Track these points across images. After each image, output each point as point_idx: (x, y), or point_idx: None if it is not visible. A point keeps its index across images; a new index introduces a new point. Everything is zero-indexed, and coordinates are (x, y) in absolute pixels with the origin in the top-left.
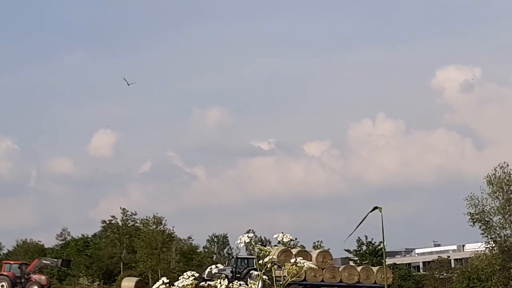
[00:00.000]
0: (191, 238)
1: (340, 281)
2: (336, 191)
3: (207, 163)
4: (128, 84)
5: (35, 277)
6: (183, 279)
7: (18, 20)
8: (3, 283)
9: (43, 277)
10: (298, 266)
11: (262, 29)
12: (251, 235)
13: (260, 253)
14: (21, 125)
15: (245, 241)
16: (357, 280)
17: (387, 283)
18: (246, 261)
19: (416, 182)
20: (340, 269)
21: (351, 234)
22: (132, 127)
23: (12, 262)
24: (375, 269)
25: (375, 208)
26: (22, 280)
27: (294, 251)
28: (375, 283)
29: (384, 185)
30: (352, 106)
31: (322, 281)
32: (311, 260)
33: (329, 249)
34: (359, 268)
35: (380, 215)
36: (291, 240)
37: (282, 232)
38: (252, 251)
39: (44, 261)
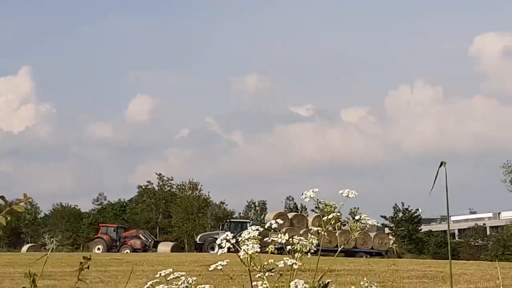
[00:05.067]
0: (224, 203)
1: (336, 246)
2: (374, 158)
3: (245, 130)
4: None
5: (130, 241)
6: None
7: None
8: (99, 246)
9: (138, 242)
10: (362, 222)
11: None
12: (316, 189)
13: (325, 209)
14: (61, 90)
15: (310, 195)
16: (354, 245)
17: (385, 248)
18: (240, 225)
19: (453, 149)
20: (336, 234)
21: (431, 190)
22: (171, 94)
23: (108, 225)
24: (372, 234)
25: (442, 163)
26: (117, 244)
27: (290, 215)
28: (372, 248)
29: (422, 153)
30: (390, 73)
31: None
32: (307, 225)
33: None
34: (356, 233)
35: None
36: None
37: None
38: (317, 207)
39: (140, 235)
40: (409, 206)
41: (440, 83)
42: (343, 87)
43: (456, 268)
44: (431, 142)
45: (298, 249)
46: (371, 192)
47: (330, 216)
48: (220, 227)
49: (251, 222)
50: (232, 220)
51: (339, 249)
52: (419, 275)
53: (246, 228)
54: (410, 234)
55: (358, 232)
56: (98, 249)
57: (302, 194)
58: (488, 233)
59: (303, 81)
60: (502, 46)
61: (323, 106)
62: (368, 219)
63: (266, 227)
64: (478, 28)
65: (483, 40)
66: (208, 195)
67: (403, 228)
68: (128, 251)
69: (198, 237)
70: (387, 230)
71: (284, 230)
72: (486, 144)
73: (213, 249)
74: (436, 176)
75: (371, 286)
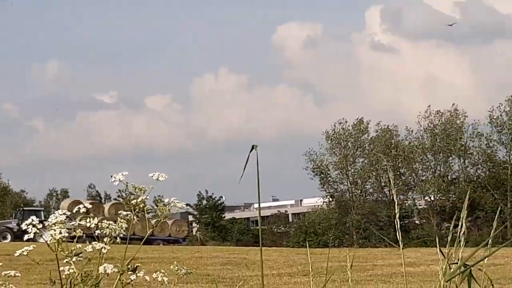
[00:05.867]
0: (24, 191)
1: (134, 234)
2: (179, 146)
3: (46, 116)
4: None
5: None
6: (58, 214)
7: None
8: None
9: None
10: (168, 207)
11: None
12: (125, 173)
13: (135, 191)
14: None
15: (120, 179)
16: (152, 233)
17: (182, 235)
18: (34, 213)
19: (257, 137)
20: (134, 221)
21: (242, 174)
22: None
23: None
24: (170, 221)
25: (253, 147)
26: None
27: (86, 203)
28: (169, 236)
29: (226, 141)
30: (194, 60)
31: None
32: (103, 213)
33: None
34: (153, 221)
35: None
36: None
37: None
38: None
39: None
40: (213, 193)
41: (245, 72)
42: (147, 75)
43: (259, 255)
44: (235, 130)
45: (108, 233)
46: (175, 180)
47: (139, 199)
48: (14, 215)
49: (44, 210)
50: (25, 208)
51: (146, 237)
52: (223, 261)
53: (41, 217)
54: (214, 222)
55: (156, 219)
56: None
57: (112, 177)
58: (290, 220)
59: (107, 68)
60: (304, 35)
61: (127, 94)
62: (178, 202)
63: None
64: (281, 18)
65: (286, 29)
66: (8, 183)
67: (207, 215)
68: None
69: None
70: (191, 218)
71: (79, 218)
72: (289, 132)
73: (5, 238)
74: (247, 161)
75: (180, 270)
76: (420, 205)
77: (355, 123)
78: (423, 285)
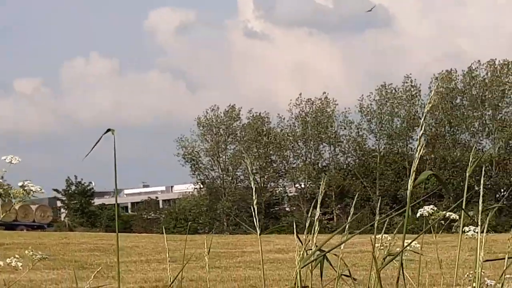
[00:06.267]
0: None
1: None
2: (48, 131)
3: None
4: None
5: None
6: None
7: None
8: None
9: None
10: (26, 190)
11: None
12: None
13: None
14: None
15: None
16: (14, 218)
17: (47, 221)
18: None
19: (129, 123)
20: None
21: (85, 156)
22: None
23: None
24: (34, 207)
25: (108, 130)
26: None
27: None
28: (34, 221)
29: (98, 125)
30: (65, 44)
31: None
32: None
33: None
34: (17, 206)
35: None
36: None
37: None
38: None
39: None
40: (82, 179)
41: (117, 57)
42: (16, 57)
43: (128, 241)
44: (106, 115)
45: None
46: (44, 165)
47: None
48: None
49: None
50: None
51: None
52: (90, 248)
53: None
54: (83, 208)
55: (19, 205)
56: None
57: None
58: (161, 206)
59: None
60: (177, 21)
61: None
62: (32, 186)
63: None
64: (153, 3)
65: (158, 14)
66: None
67: (75, 201)
68: None
69: None
70: (59, 204)
71: None
72: (161, 118)
73: None
74: (97, 141)
75: (35, 255)
76: (290, 193)
77: (227, 109)
78: (291, 272)
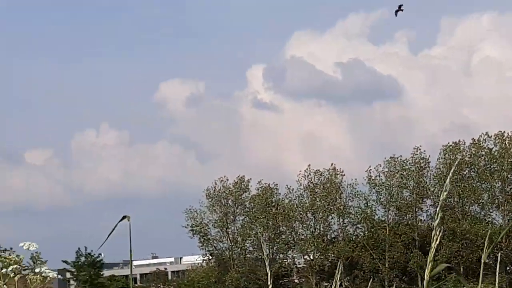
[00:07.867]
0: None
1: None
2: (58, 202)
3: None
4: None
5: None
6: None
7: None
8: None
9: None
10: (43, 276)
11: None
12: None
13: (5, 262)
14: None
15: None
16: None
17: None
18: None
19: (137, 193)
20: (16, 278)
21: (103, 243)
22: None
23: None
24: (16, 278)
25: (124, 217)
26: None
27: None
28: None
29: (107, 196)
30: (76, 116)
31: None
32: None
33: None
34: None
35: (128, 224)
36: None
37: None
38: None
39: None
40: (92, 250)
41: (126, 128)
42: (28, 129)
43: None
44: (115, 186)
45: None
46: (54, 236)
47: (10, 269)
48: None
49: None
50: None
51: None
52: None
53: None
54: (92, 279)
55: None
56: None
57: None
58: (169, 277)
59: None
60: (187, 93)
61: (6, 147)
62: (49, 272)
63: None
64: (164, 75)
65: (168, 86)
66: None
67: (85, 273)
68: None
69: None
70: (68, 275)
71: None
72: (170, 188)
73: None
74: (113, 230)
75: None
76: (299, 264)
77: (236, 181)
78: None
